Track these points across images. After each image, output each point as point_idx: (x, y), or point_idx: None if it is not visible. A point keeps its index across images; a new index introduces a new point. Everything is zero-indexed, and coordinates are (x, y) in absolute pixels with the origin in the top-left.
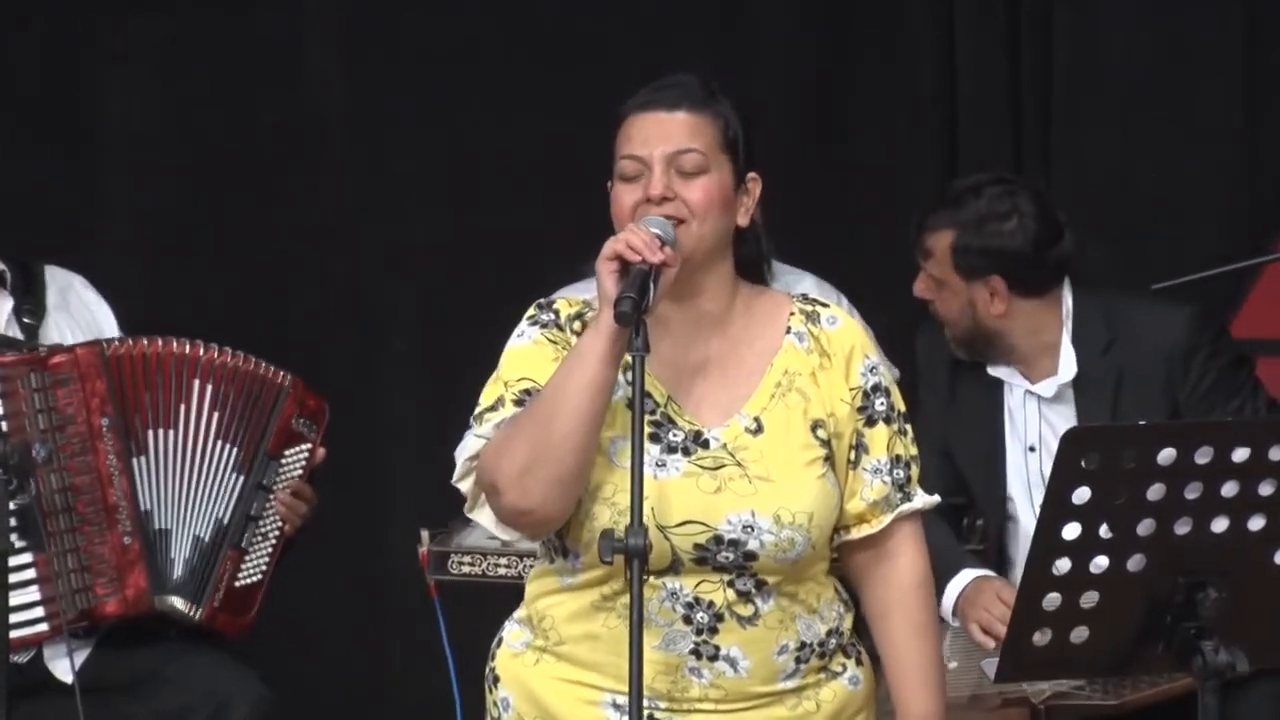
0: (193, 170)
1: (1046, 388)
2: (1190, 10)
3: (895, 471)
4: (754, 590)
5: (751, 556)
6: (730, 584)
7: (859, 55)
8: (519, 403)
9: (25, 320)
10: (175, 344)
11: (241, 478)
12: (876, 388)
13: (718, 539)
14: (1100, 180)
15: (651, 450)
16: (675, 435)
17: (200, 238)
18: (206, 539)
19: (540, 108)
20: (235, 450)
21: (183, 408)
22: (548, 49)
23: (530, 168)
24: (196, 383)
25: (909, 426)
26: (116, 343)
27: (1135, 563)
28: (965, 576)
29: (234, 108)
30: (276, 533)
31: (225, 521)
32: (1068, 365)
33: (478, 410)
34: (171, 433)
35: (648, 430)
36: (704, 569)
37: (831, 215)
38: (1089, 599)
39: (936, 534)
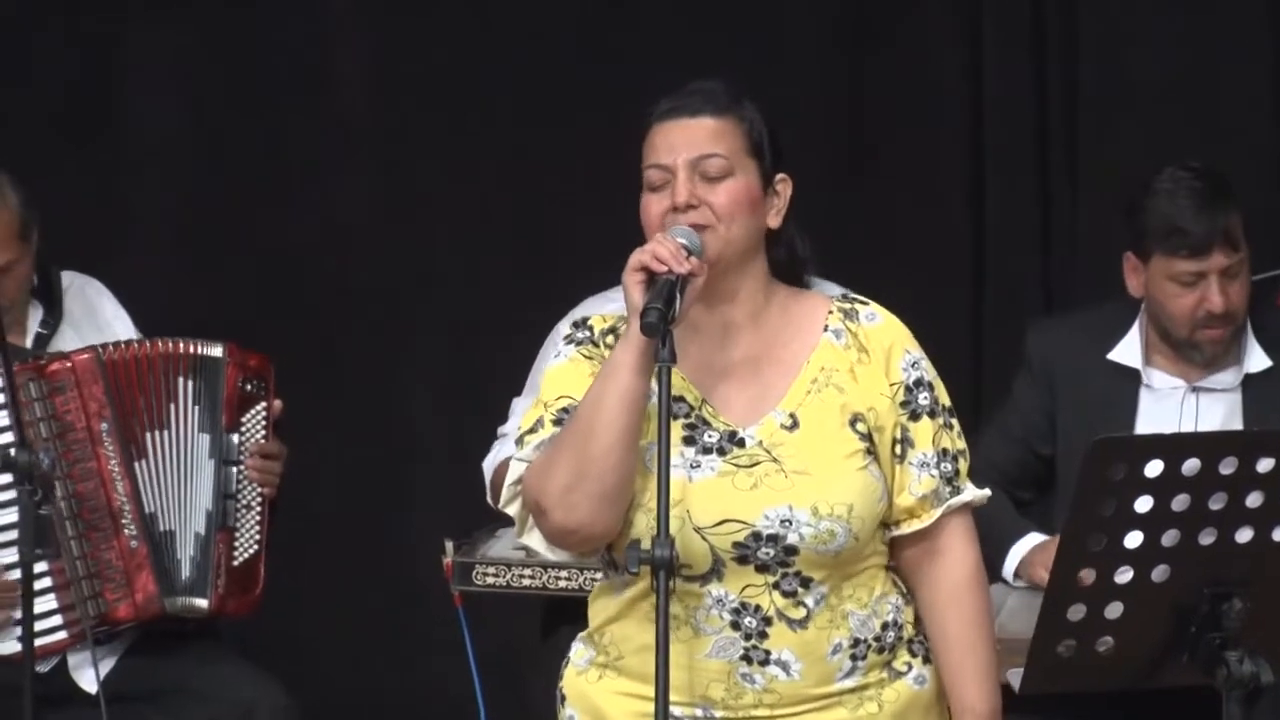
0: (216, 177)
1: (1226, 378)
2: (1216, 13)
3: (943, 465)
4: (800, 590)
5: (792, 551)
6: (775, 586)
7: (881, 58)
8: (557, 422)
9: (40, 330)
10: (161, 344)
11: (212, 462)
12: (919, 382)
13: (756, 535)
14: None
15: (686, 452)
16: (710, 436)
17: (223, 244)
18: (203, 533)
19: (568, 114)
20: (208, 438)
21: (172, 407)
22: (574, 55)
23: (557, 175)
24: (181, 380)
25: (955, 421)
26: (112, 347)
27: (1160, 573)
28: (1031, 539)
29: (258, 114)
30: (259, 501)
31: (211, 510)
32: (1255, 357)
33: (519, 434)
34: (165, 433)
35: (682, 434)
36: (746, 570)
37: (854, 221)
38: (1114, 610)
39: (998, 504)
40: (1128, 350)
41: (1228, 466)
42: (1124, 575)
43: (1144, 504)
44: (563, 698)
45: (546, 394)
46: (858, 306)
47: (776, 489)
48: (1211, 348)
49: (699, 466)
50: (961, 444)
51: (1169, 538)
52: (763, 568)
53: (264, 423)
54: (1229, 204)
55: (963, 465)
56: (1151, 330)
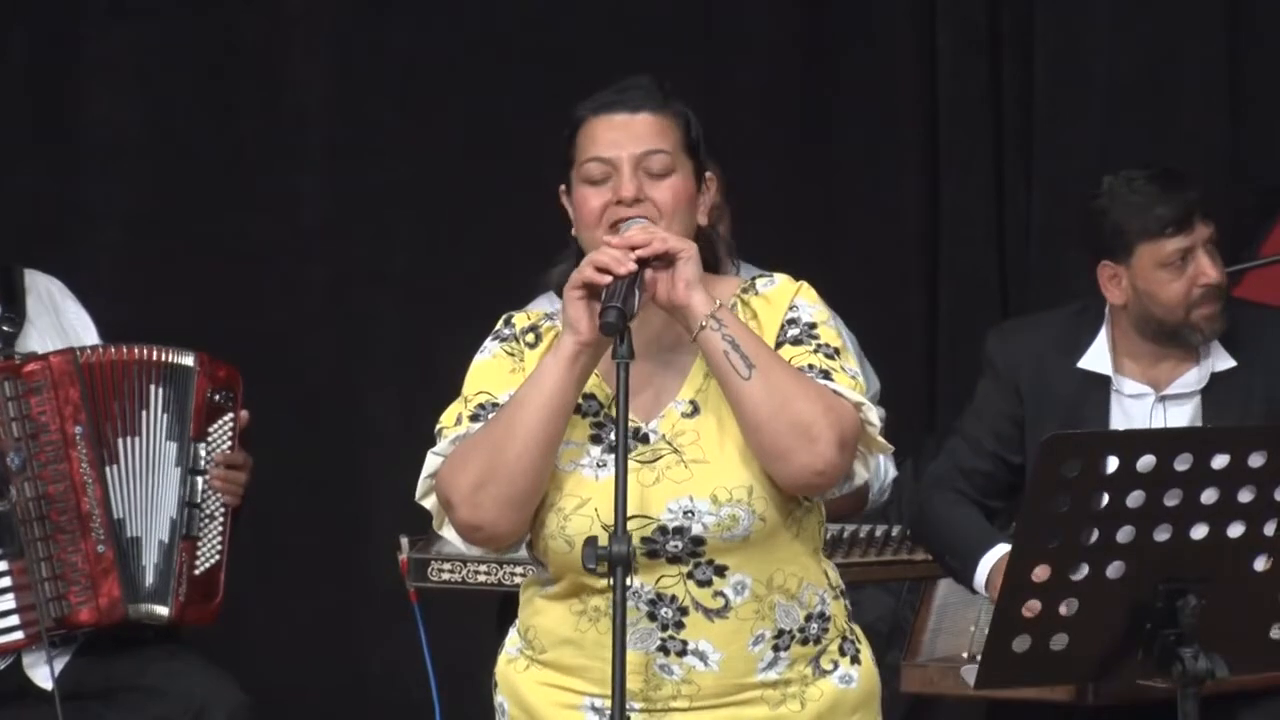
0: (173, 176)
1: (1190, 379)
2: (1171, 14)
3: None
4: (716, 578)
5: (699, 541)
6: (690, 576)
7: (837, 58)
8: (474, 418)
9: (4, 329)
10: (138, 350)
11: (178, 470)
12: (796, 321)
13: (662, 529)
14: (1081, 182)
15: (593, 451)
16: (615, 435)
17: (180, 243)
18: (167, 541)
19: (520, 111)
20: (175, 446)
21: (144, 414)
22: (528, 52)
23: (511, 173)
24: (153, 387)
25: (838, 362)
26: (89, 350)
27: (1115, 570)
28: (1000, 550)
29: (214, 113)
30: (222, 511)
31: (175, 518)
32: (1220, 357)
33: (438, 427)
34: (136, 440)
35: (590, 432)
36: (658, 563)
37: (808, 221)
38: (1069, 606)
39: (969, 515)
40: (1097, 357)
41: (1183, 463)
42: (1079, 572)
43: (1099, 500)
44: (495, 684)
45: (468, 388)
46: (757, 281)
47: (677, 480)
48: (1209, 325)
49: (605, 465)
50: (833, 363)
51: (1124, 534)
52: (674, 559)
53: (231, 433)
54: (1187, 181)
55: (838, 378)
56: (1122, 334)
